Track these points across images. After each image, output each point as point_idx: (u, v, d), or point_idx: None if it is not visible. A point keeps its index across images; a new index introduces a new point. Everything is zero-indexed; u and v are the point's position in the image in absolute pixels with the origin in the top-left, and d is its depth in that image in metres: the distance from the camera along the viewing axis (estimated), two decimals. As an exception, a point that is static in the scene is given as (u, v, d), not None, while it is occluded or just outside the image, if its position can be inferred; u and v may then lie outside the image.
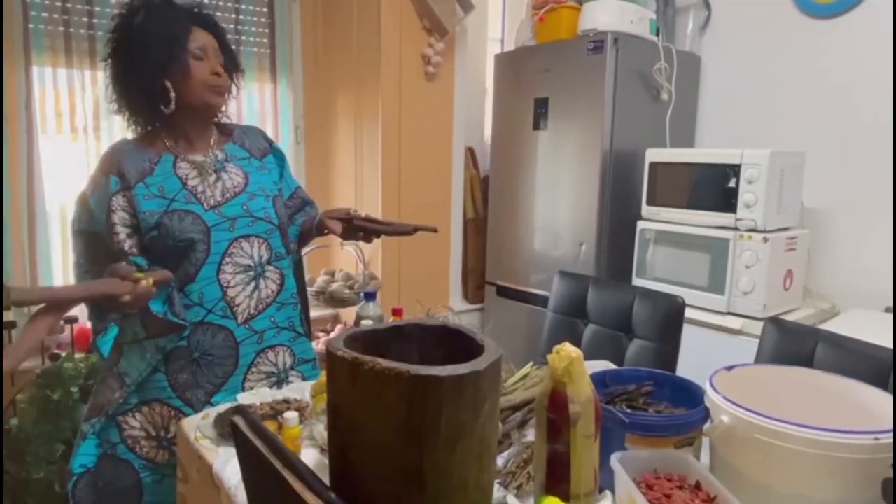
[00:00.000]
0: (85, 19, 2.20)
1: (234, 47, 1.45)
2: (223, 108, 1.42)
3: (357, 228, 1.48)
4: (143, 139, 1.37)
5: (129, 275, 1.12)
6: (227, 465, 1.08)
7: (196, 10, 1.35)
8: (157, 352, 1.30)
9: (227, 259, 1.33)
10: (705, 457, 1.04)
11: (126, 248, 1.26)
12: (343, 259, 2.80)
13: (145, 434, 1.32)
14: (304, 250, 1.65)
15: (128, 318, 1.32)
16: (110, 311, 1.27)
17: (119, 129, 2.28)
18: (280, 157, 1.54)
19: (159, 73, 1.28)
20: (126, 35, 1.30)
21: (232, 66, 1.40)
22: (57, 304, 1.06)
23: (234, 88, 1.42)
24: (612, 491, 0.94)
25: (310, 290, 2.43)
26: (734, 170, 2.09)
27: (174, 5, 1.32)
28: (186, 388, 1.31)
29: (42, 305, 1.05)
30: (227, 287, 1.33)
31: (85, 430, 1.33)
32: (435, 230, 1.50)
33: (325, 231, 1.51)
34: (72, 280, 1.33)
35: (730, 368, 1.13)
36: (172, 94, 1.29)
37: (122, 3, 1.33)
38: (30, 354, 1.04)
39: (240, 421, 0.81)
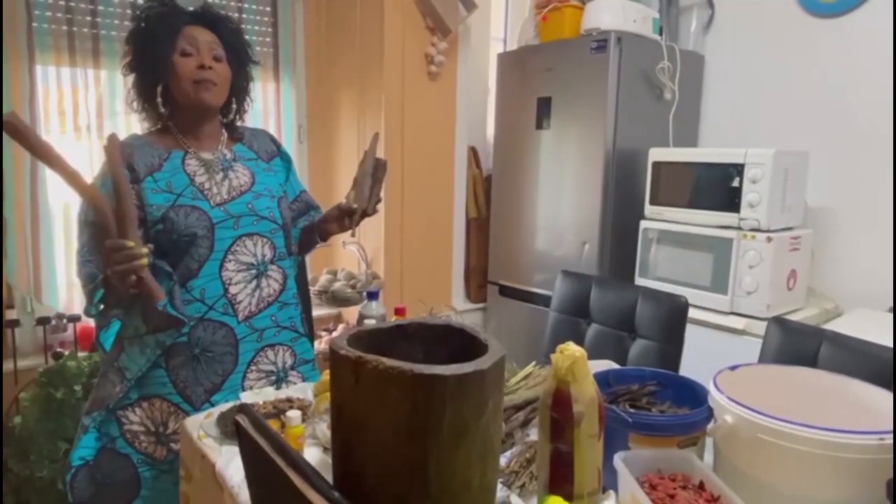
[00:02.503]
0: (88, 18, 2.20)
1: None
2: (217, 105, 1.38)
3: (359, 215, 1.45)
4: (154, 135, 1.39)
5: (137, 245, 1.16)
6: (230, 464, 1.08)
7: (197, 9, 1.37)
8: (157, 347, 1.30)
9: (230, 256, 1.34)
10: (709, 457, 1.04)
11: None
12: (345, 258, 2.80)
13: (144, 429, 1.32)
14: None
15: (129, 313, 1.33)
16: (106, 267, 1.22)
17: (122, 128, 2.29)
18: (287, 161, 1.56)
19: (152, 73, 1.33)
20: (130, 38, 1.34)
21: (236, 59, 1.39)
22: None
23: (243, 82, 1.43)
24: (616, 490, 0.94)
25: (312, 289, 2.43)
26: (738, 169, 2.08)
27: (172, 7, 1.34)
28: (186, 384, 1.32)
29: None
30: (229, 284, 1.34)
31: (86, 423, 1.33)
32: (376, 134, 1.52)
33: (328, 238, 1.53)
34: (75, 280, 1.33)
35: (733, 368, 1.12)
36: (159, 92, 1.34)
37: (125, 4, 1.34)
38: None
39: (243, 419, 0.81)
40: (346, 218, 1.46)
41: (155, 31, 1.31)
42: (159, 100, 1.35)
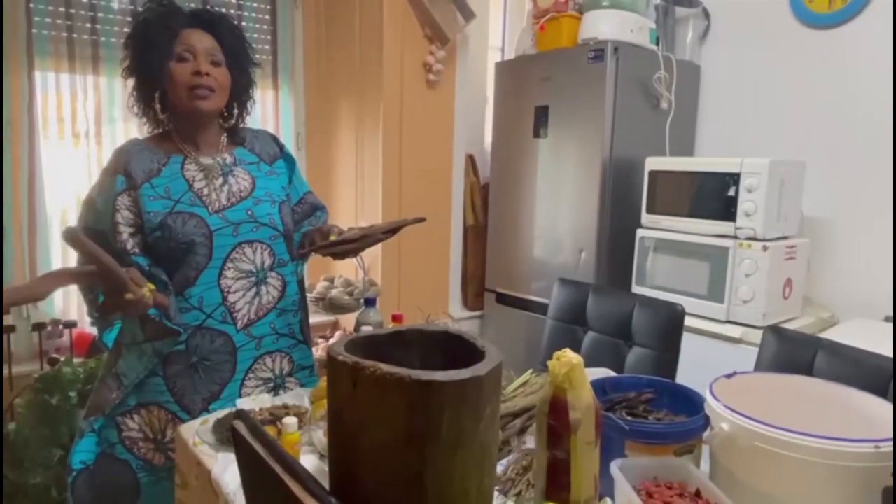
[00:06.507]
0: (88, 25, 2.21)
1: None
2: (213, 110, 1.36)
3: (338, 250, 1.40)
4: (154, 140, 1.38)
5: (142, 282, 1.15)
6: (226, 471, 1.08)
7: (195, 11, 1.36)
8: (154, 355, 1.30)
9: (229, 264, 1.33)
10: (705, 465, 1.04)
11: (129, 247, 1.26)
12: (343, 265, 2.79)
13: (143, 436, 1.32)
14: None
15: (128, 319, 1.33)
16: (108, 304, 1.20)
17: (121, 134, 2.29)
18: (290, 162, 1.53)
19: (150, 79, 1.32)
20: (128, 42, 1.33)
21: (236, 62, 1.37)
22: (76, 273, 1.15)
23: (243, 86, 1.42)
24: (612, 498, 0.94)
25: (309, 296, 2.43)
26: (734, 178, 2.09)
27: (171, 9, 1.33)
28: (184, 393, 1.31)
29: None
30: (228, 292, 1.33)
31: (83, 427, 1.33)
32: (422, 220, 1.45)
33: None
34: (71, 287, 1.33)
35: (730, 376, 1.13)
36: (157, 99, 1.33)
37: (124, 11, 1.34)
38: (28, 300, 1.12)
39: (240, 425, 0.81)
40: (315, 244, 1.42)
41: (152, 35, 1.29)
42: (158, 106, 1.34)
